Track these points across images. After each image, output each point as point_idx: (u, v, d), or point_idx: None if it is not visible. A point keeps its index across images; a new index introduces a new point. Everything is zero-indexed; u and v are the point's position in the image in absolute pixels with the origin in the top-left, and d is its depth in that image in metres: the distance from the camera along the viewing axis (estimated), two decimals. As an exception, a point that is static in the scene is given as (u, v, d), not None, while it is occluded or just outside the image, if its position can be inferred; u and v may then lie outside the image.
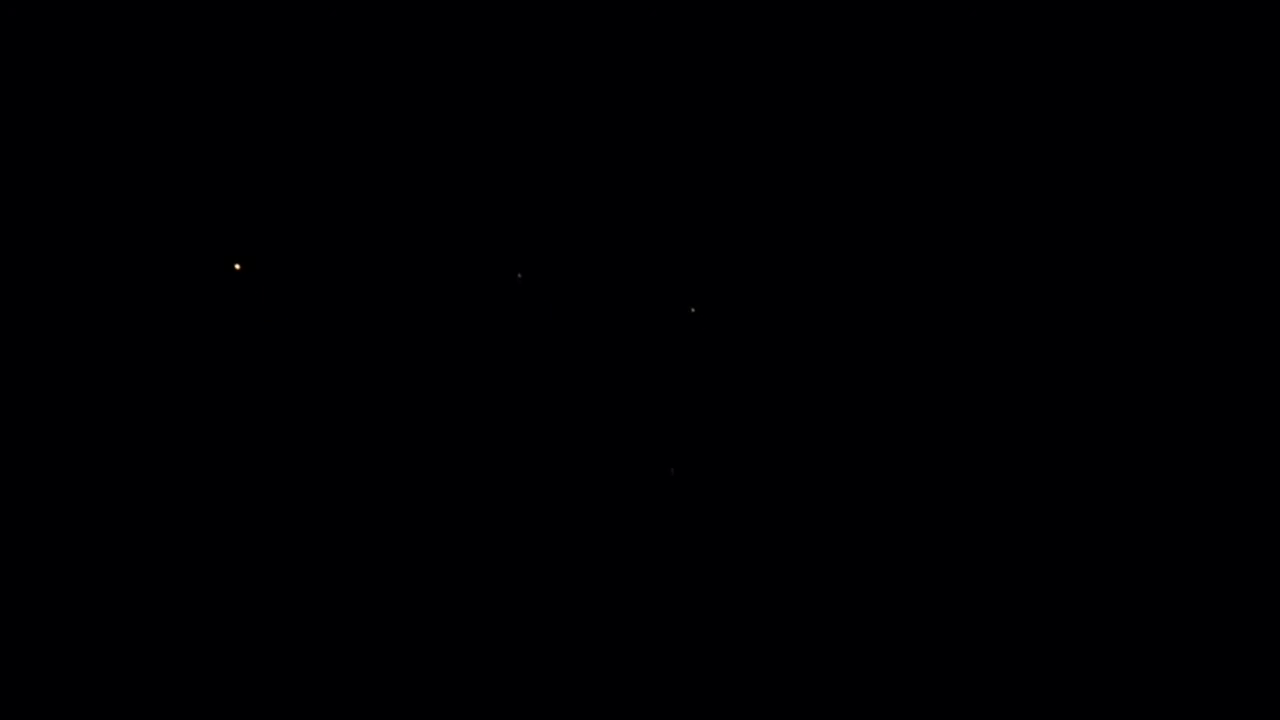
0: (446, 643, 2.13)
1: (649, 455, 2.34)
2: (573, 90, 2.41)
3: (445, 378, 2.38)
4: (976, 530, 2.23)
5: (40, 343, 2.27)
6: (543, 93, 2.41)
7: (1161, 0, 2.25)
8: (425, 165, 2.43)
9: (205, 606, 2.12)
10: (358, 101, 2.40)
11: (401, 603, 2.17)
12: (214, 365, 2.31)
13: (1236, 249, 2.26)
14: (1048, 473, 2.25)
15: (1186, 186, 2.30)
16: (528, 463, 2.35)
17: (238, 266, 2.23)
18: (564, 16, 2.38)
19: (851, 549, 2.24)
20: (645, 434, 2.36)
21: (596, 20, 2.38)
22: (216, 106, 2.37)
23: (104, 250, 2.34)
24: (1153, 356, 2.28)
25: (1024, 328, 2.33)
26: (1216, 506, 2.19)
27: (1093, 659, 2.10)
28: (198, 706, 2.02)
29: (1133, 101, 2.31)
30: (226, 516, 2.22)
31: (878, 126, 2.38)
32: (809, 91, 2.40)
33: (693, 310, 2.36)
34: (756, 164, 2.42)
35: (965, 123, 2.37)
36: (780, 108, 2.41)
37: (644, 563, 2.25)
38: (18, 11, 2.25)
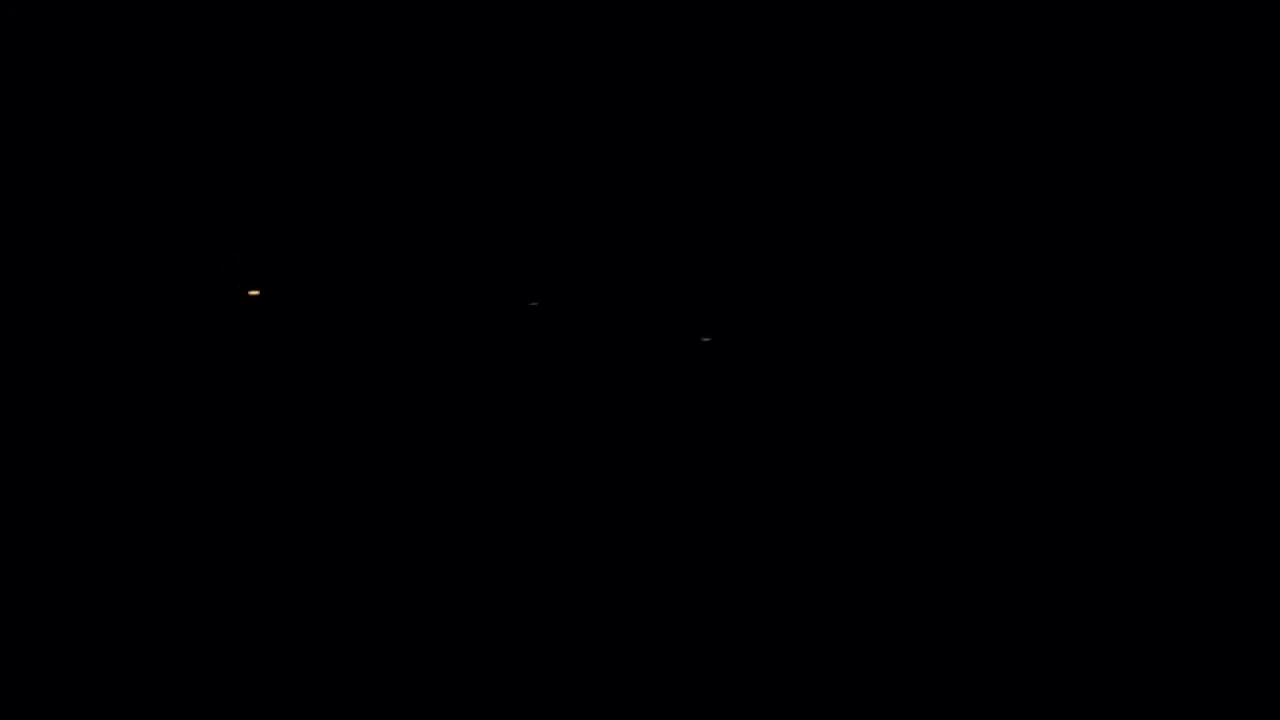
0: (448, 644, 2.13)
1: (662, 464, 2.34)
2: (592, 105, 2.41)
3: (459, 393, 2.38)
4: (982, 534, 2.24)
5: (41, 345, 2.27)
6: (563, 108, 2.41)
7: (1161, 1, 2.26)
8: (440, 179, 2.43)
9: (206, 606, 2.12)
10: (373, 114, 2.39)
11: (402, 603, 2.17)
12: (226, 375, 2.31)
13: (1236, 249, 2.27)
14: (1053, 475, 2.26)
15: (1186, 187, 2.30)
16: (541, 473, 2.35)
17: (254, 293, 2.24)
18: (584, 26, 2.37)
19: (858, 554, 2.25)
20: (659, 445, 2.36)
21: (617, 31, 2.37)
22: (224, 112, 2.37)
23: (104, 249, 2.34)
24: (1153, 356, 2.28)
25: (1028, 330, 2.33)
26: (1216, 506, 2.19)
27: (1092, 658, 2.10)
28: (198, 707, 2.02)
29: (1132, 102, 2.31)
30: (232, 520, 2.22)
31: (889, 137, 2.38)
32: (826, 105, 2.40)
33: (706, 340, 2.36)
34: (766, 177, 2.42)
35: (967, 125, 2.37)
36: (794, 121, 2.41)
37: (658, 567, 2.25)
38: (18, 11, 2.25)
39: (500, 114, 2.29)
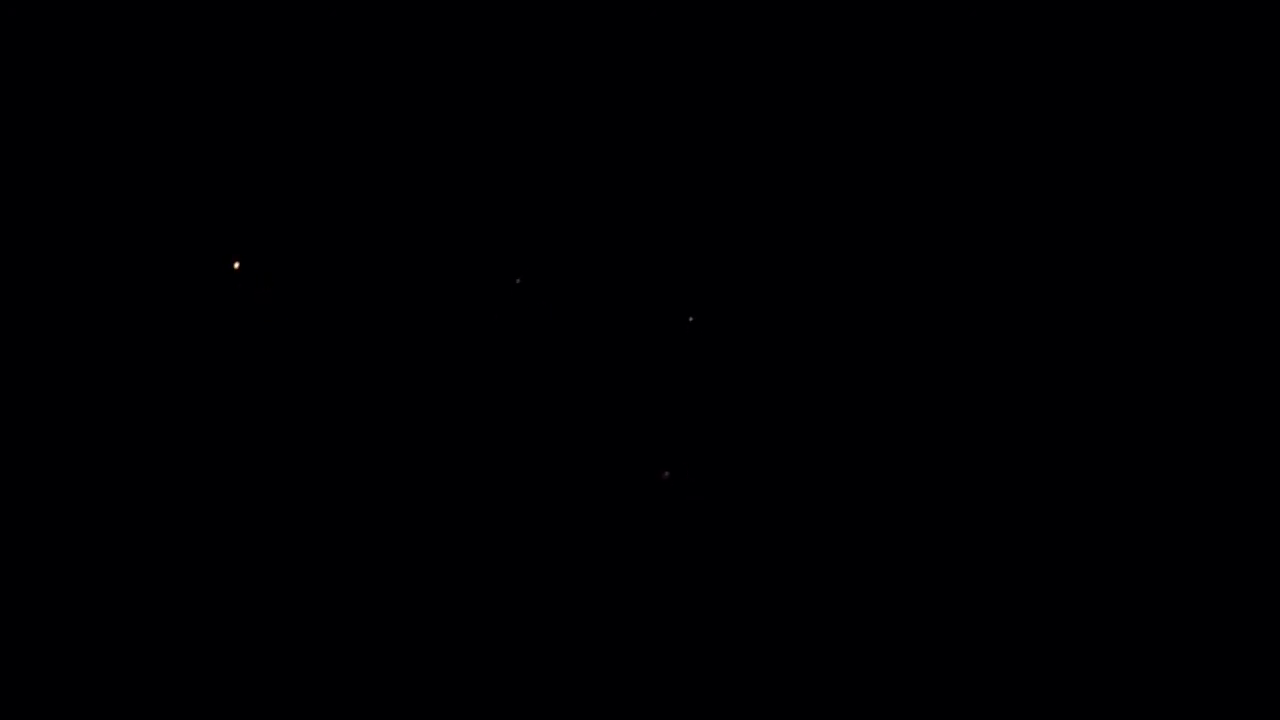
0: (446, 643, 2.13)
1: (644, 458, 2.34)
2: (574, 94, 2.41)
3: (443, 379, 2.38)
4: (976, 531, 2.23)
5: (40, 342, 2.28)
6: (544, 96, 2.41)
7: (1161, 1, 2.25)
8: (426, 168, 2.43)
9: (205, 607, 2.12)
10: (360, 103, 2.40)
11: (401, 603, 2.17)
12: (214, 364, 2.31)
13: (1236, 249, 2.26)
14: (1047, 473, 2.25)
15: (1186, 187, 2.29)
16: (524, 464, 2.35)
17: (236, 265, 2.24)
18: (566, 18, 2.38)
19: (849, 551, 2.24)
20: (641, 437, 2.36)
21: (599, 22, 2.38)
22: (217, 107, 2.37)
23: (104, 250, 2.34)
24: (1152, 357, 2.28)
25: (1023, 329, 2.33)
26: (1216, 507, 2.19)
27: (1093, 659, 2.10)
28: (198, 707, 2.02)
29: (1133, 102, 2.31)
30: (226, 516, 2.22)
31: (877, 129, 2.38)
32: (809, 95, 2.40)
33: (691, 319, 2.36)
34: (755, 169, 2.42)
35: (965, 124, 2.37)
36: (780, 111, 2.41)
37: (639, 564, 2.25)
38: (18, 11, 2.25)
39: (495, 106, 2.28)
